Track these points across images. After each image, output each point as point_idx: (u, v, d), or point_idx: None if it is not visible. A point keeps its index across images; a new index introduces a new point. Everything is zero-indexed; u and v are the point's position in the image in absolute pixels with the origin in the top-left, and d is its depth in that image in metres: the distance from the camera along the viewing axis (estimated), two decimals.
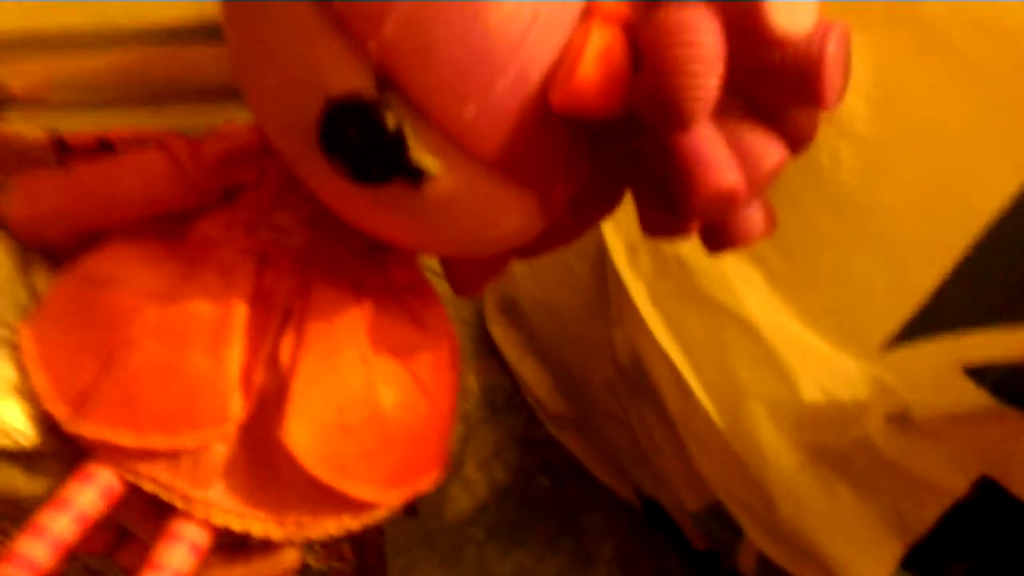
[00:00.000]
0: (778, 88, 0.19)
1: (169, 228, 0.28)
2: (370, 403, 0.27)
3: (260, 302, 0.26)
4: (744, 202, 0.19)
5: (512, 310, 0.48)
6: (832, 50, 0.18)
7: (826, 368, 0.28)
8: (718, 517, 0.39)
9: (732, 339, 0.30)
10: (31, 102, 0.34)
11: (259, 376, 0.26)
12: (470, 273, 0.31)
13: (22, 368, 0.27)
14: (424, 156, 0.20)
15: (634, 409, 0.43)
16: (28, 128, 0.30)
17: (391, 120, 0.19)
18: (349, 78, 0.20)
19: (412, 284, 0.28)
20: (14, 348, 0.27)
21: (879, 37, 0.27)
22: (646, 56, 0.19)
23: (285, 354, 0.26)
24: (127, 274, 0.26)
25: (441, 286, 0.31)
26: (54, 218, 0.29)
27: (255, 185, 0.27)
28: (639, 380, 0.40)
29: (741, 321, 0.30)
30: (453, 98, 0.19)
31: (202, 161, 0.27)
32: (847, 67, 0.19)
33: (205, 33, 0.50)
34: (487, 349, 0.51)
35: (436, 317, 0.29)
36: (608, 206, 0.25)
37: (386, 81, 0.19)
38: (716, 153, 0.19)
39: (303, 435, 0.26)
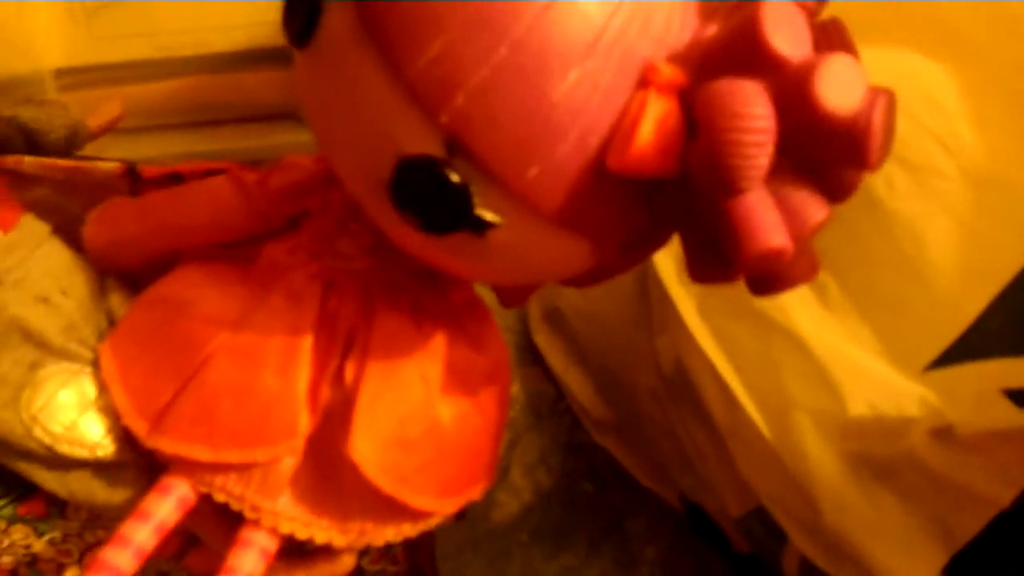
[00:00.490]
0: (825, 151, 0.20)
1: (238, 252, 0.30)
2: (429, 418, 0.29)
3: (326, 324, 0.28)
4: (790, 259, 0.20)
5: (556, 319, 0.49)
6: (878, 119, 0.19)
7: (873, 384, 0.29)
8: (761, 521, 0.39)
9: (781, 353, 0.31)
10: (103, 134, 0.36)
11: (325, 393, 0.28)
12: (517, 289, 0.32)
13: (102, 385, 0.29)
14: (488, 210, 0.21)
15: (678, 416, 0.44)
16: (103, 159, 0.32)
17: (458, 178, 0.21)
18: (420, 142, 0.21)
19: (466, 304, 0.30)
20: (94, 367, 0.29)
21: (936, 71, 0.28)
22: (701, 126, 0.20)
23: (350, 373, 0.28)
24: (201, 298, 0.28)
25: (488, 296, 0.32)
26: (129, 244, 0.31)
27: (319, 213, 0.29)
28: (683, 388, 0.41)
29: (791, 336, 0.31)
30: (517, 161, 0.21)
31: (269, 191, 0.29)
32: (891, 131, 0.20)
33: (257, 59, 0.52)
34: (531, 357, 0.53)
35: (489, 335, 0.30)
36: (657, 246, 0.26)
37: (455, 145, 0.21)
38: (765, 215, 0.20)
39: (367, 449, 0.27)
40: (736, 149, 0.19)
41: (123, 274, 0.32)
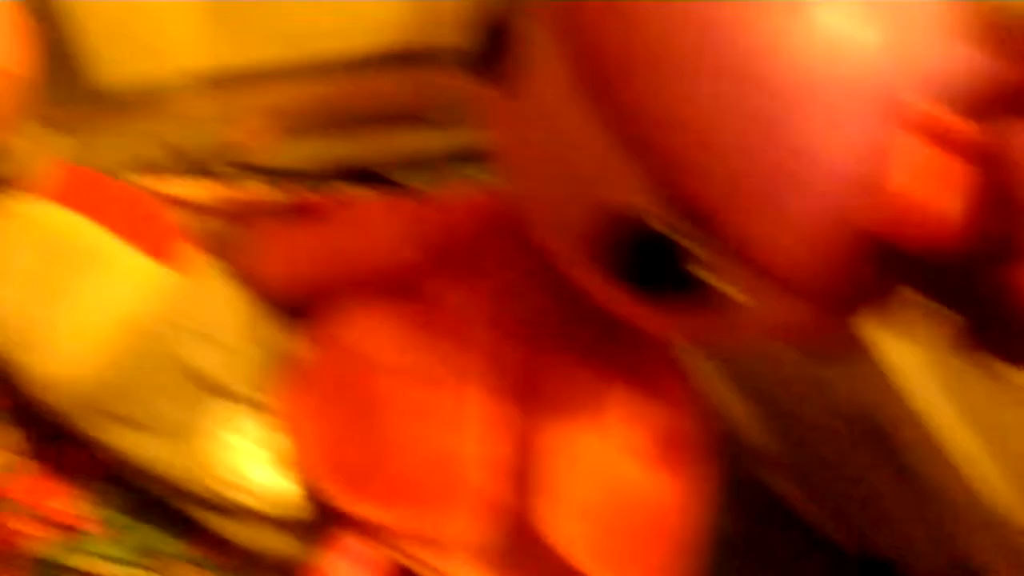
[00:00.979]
0: None
1: (406, 287, 0.27)
2: (615, 479, 0.26)
3: (506, 380, 0.25)
4: None
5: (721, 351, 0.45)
6: None
7: None
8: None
9: None
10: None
11: (507, 454, 0.25)
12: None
13: (279, 435, 0.27)
14: (720, 281, 0.19)
15: (862, 461, 0.39)
16: (262, 189, 0.30)
17: (677, 237, 0.18)
18: (635, 196, 0.18)
19: (661, 356, 0.26)
20: (259, 408, 0.27)
21: None
22: (994, 184, 0.16)
23: (533, 433, 0.25)
24: (380, 348, 0.26)
25: None
26: (287, 273, 0.29)
27: (496, 254, 0.26)
28: (870, 433, 0.37)
29: None
30: (743, 212, 0.18)
31: (446, 228, 0.27)
32: None
33: (391, 62, 0.50)
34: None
35: (681, 387, 0.27)
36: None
37: (675, 200, 0.18)
38: None
39: (550, 514, 0.25)
40: None
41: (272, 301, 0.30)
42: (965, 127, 0.17)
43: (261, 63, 0.47)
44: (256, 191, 0.30)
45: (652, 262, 0.19)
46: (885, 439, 0.35)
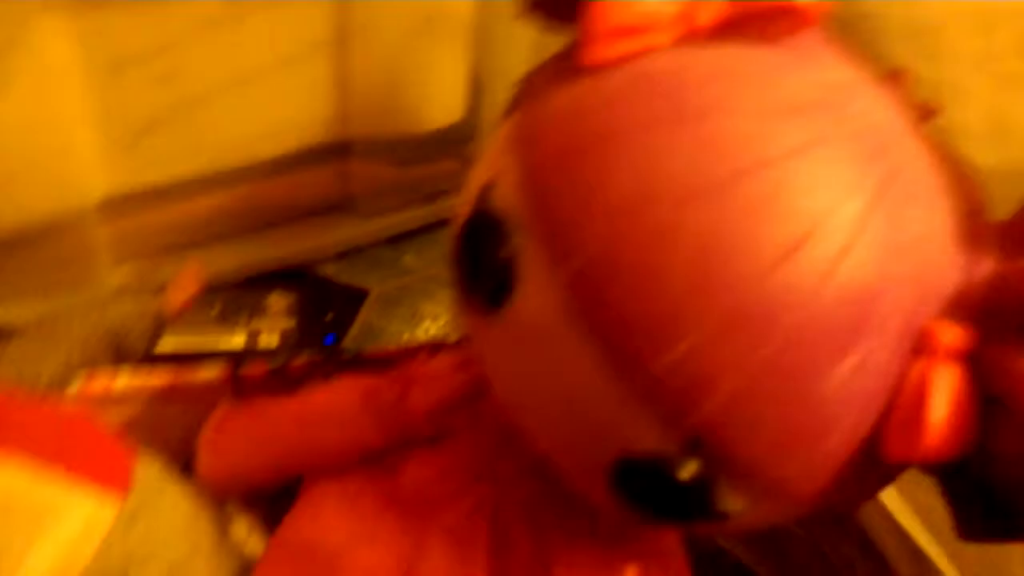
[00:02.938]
0: None
1: (376, 467, 0.26)
2: None
3: (499, 570, 0.24)
4: None
5: None
6: None
7: None
8: None
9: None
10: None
11: None
12: None
13: None
14: (729, 501, 0.18)
15: (825, 535, 0.40)
16: (206, 371, 0.29)
17: (692, 474, 0.18)
18: (652, 441, 0.18)
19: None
20: None
21: None
22: (1008, 402, 0.16)
23: None
24: (350, 549, 0.25)
25: None
26: (251, 473, 0.27)
27: (469, 430, 0.25)
28: (844, 522, 0.38)
29: None
30: (776, 460, 0.17)
31: (409, 411, 0.25)
32: None
33: (308, 158, 0.48)
34: None
35: (677, 550, 0.27)
36: None
37: (696, 446, 0.17)
38: None
39: None
40: None
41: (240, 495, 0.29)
42: (972, 342, 0.17)
43: (171, 180, 0.45)
44: (197, 372, 0.29)
45: (667, 489, 0.18)
46: (851, 522, 0.36)
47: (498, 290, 0.18)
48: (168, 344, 0.45)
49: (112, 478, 0.24)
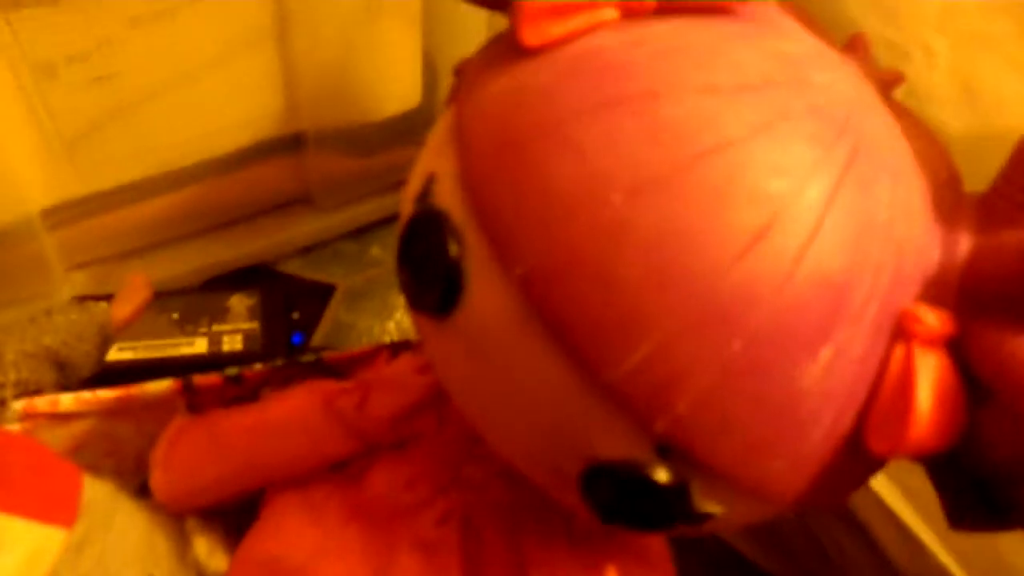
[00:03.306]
0: None
1: (340, 475, 0.25)
2: None
3: (450, 554, 0.23)
4: None
5: None
6: None
7: None
8: None
9: None
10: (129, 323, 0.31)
11: None
12: None
13: None
14: (708, 504, 0.17)
15: (817, 520, 0.40)
16: (157, 384, 0.27)
17: (669, 479, 0.16)
18: (623, 448, 0.16)
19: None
20: None
21: None
22: (998, 392, 0.15)
23: None
24: (316, 564, 0.23)
25: None
26: (209, 488, 0.26)
27: (434, 435, 0.24)
28: (841, 511, 0.37)
29: None
30: (756, 460, 0.16)
31: (371, 417, 0.24)
32: None
33: (261, 152, 0.46)
34: None
35: (653, 542, 0.26)
36: None
37: (669, 449, 0.16)
38: None
39: None
40: None
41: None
42: (956, 326, 0.16)
43: (119, 184, 0.43)
44: (148, 385, 0.27)
45: (640, 496, 0.17)
46: (852, 517, 0.36)
47: (446, 294, 0.17)
48: (125, 353, 0.43)
49: (56, 508, 0.23)
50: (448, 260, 0.17)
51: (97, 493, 0.24)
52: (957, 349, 0.16)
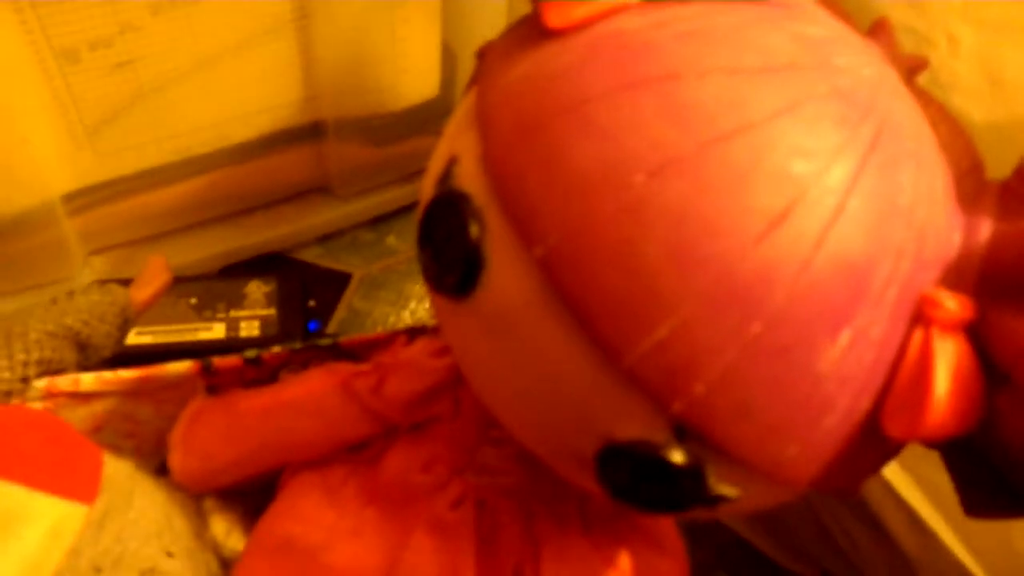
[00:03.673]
0: None
1: (357, 457, 0.25)
2: None
3: (487, 561, 0.23)
4: None
5: None
6: None
7: None
8: None
9: None
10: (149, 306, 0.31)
11: None
12: None
13: None
14: (724, 487, 0.17)
15: (827, 509, 0.40)
16: (177, 365, 0.28)
17: (685, 460, 0.16)
18: (640, 429, 0.17)
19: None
20: None
21: None
22: (1012, 375, 0.15)
23: None
24: (333, 544, 0.24)
25: None
26: (227, 470, 0.26)
27: (450, 418, 0.24)
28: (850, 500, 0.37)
29: None
30: (772, 444, 0.16)
31: (387, 400, 0.24)
32: None
33: (280, 141, 0.46)
34: None
35: (666, 528, 0.26)
36: None
37: (685, 432, 0.16)
38: None
39: None
40: None
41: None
42: (976, 311, 0.16)
43: (139, 169, 0.43)
44: (167, 366, 0.28)
45: (657, 478, 0.17)
46: (864, 506, 0.36)
47: (466, 275, 0.17)
48: (144, 337, 0.44)
49: (78, 484, 0.23)
50: (468, 241, 0.17)
51: (117, 471, 0.25)
52: (976, 335, 0.16)
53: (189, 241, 0.48)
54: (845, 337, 0.15)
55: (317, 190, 0.52)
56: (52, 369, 0.27)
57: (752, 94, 0.15)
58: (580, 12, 0.17)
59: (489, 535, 0.24)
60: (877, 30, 0.18)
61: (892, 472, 0.32)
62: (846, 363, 0.15)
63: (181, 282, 0.45)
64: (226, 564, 0.27)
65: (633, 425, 0.17)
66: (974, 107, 0.22)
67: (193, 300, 0.46)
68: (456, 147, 0.18)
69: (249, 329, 0.46)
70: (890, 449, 0.18)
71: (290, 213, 0.51)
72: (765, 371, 0.15)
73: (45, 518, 0.22)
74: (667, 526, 0.26)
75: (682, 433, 0.16)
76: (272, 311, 0.47)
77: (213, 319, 0.46)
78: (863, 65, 0.17)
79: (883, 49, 0.18)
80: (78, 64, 0.37)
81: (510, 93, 0.17)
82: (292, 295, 0.48)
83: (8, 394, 0.26)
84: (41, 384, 0.27)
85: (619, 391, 0.16)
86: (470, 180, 0.17)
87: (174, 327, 0.45)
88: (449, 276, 0.18)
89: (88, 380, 0.27)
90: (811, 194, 0.15)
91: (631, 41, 0.16)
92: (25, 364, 0.27)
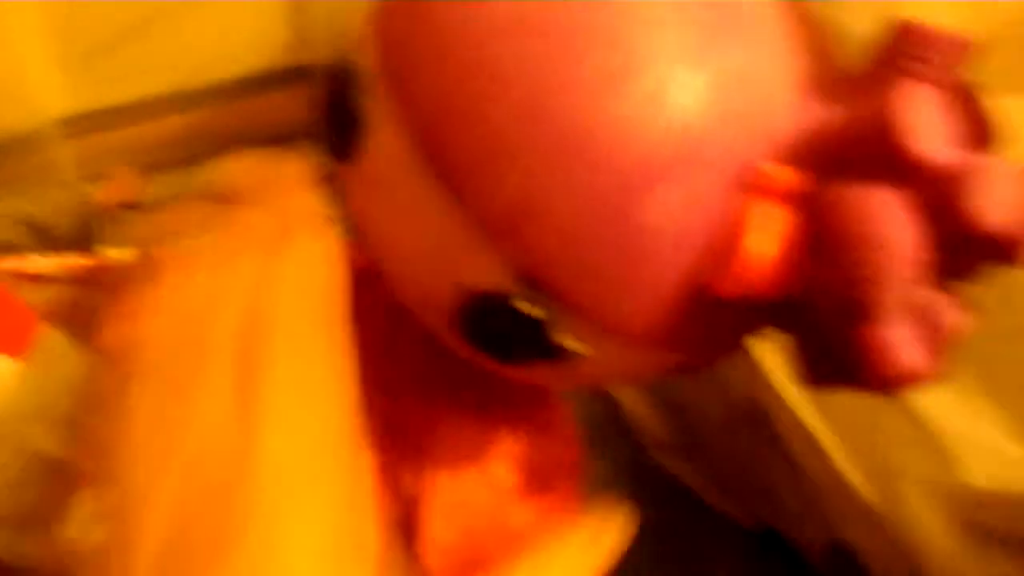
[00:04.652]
0: (970, 259, 0.17)
1: None
2: (501, 527, 0.26)
3: (387, 435, 0.25)
4: (929, 378, 0.17)
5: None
6: None
7: (997, 459, 0.26)
8: (845, 557, 0.38)
9: (889, 421, 0.29)
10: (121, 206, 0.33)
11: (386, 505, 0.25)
12: None
13: None
14: (572, 341, 0.19)
15: (750, 446, 0.41)
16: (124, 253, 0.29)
17: (535, 312, 0.18)
18: (490, 278, 0.18)
19: (535, 392, 0.27)
20: None
21: None
22: (826, 245, 0.17)
23: (411, 486, 0.25)
24: None
25: None
26: None
27: (366, 309, 0.26)
28: (758, 425, 0.39)
29: (902, 407, 0.28)
30: (606, 295, 0.18)
31: None
32: None
33: (273, 80, 0.49)
34: None
35: (558, 414, 0.28)
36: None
37: (532, 281, 0.18)
38: (900, 341, 0.17)
39: (434, 563, 0.25)
40: (870, 283, 0.16)
41: None
42: (805, 184, 0.17)
43: (129, 100, 0.46)
44: (113, 256, 0.30)
45: (510, 328, 0.19)
46: (765, 424, 0.37)
47: (354, 138, 0.19)
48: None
49: (13, 342, 0.25)
50: (350, 106, 0.19)
51: (53, 337, 0.27)
52: (810, 208, 0.17)
53: (175, 177, 0.50)
54: (673, 194, 0.17)
55: (306, 135, 0.53)
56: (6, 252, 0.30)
57: None
58: None
59: (391, 414, 0.25)
60: None
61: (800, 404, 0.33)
62: (671, 218, 0.17)
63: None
64: None
65: (487, 275, 0.18)
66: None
67: None
68: (366, 27, 0.20)
69: None
70: (733, 316, 0.19)
71: (278, 155, 0.53)
72: (597, 223, 0.17)
73: None
74: (558, 411, 0.27)
75: (529, 284, 0.18)
76: None
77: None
78: None
79: None
80: None
81: None
82: None
83: None
84: None
85: (476, 243, 0.18)
86: (365, 50, 0.19)
87: None
88: (339, 139, 0.19)
89: (40, 263, 0.29)
90: (650, 61, 0.17)
91: None
92: None
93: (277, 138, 0.53)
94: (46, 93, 0.43)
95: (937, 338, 0.18)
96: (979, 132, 0.18)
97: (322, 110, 0.20)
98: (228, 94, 0.48)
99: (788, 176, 0.17)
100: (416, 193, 0.18)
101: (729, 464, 0.44)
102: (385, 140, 0.19)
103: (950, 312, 0.18)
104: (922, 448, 0.28)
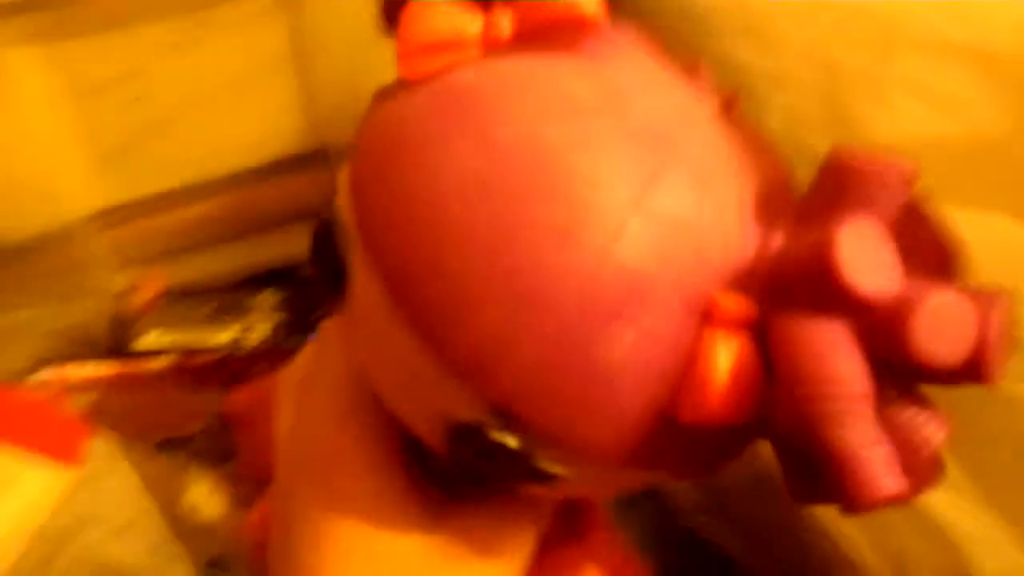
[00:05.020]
0: (934, 380, 0.18)
1: None
2: None
3: None
4: (908, 498, 0.18)
5: None
6: (994, 339, 0.17)
7: (1000, 558, 0.26)
8: None
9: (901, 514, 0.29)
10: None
11: None
12: None
13: None
14: (550, 465, 0.20)
15: (782, 512, 0.42)
16: (156, 360, 0.32)
17: (513, 443, 0.19)
18: (466, 411, 0.20)
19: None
20: None
21: None
22: (779, 375, 0.18)
23: None
24: None
25: None
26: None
27: None
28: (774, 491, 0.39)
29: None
30: (575, 424, 0.19)
31: None
32: (1010, 335, 0.17)
33: (282, 169, 0.51)
34: None
35: (599, 523, 0.28)
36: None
37: (504, 413, 0.19)
38: (870, 462, 0.17)
39: None
40: (824, 419, 0.17)
41: None
42: (758, 312, 0.18)
43: (157, 192, 0.48)
44: (148, 362, 0.32)
45: (498, 463, 0.20)
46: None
47: (338, 282, 0.21)
48: (163, 340, 0.49)
49: (65, 452, 0.27)
50: (334, 255, 0.20)
51: (103, 445, 0.29)
52: (761, 335, 0.18)
53: (204, 258, 0.53)
54: (631, 333, 0.18)
55: (322, 212, 0.56)
56: (51, 365, 0.32)
57: (553, 133, 0.18)
58: (425, 67, 0.20)
59: None
60: (691, 69, 0.21)
61: None
62: (633, 355, 0.18)
63: (198, 293, 0.50)
64: (203, 525, 0.30)
65: (464, 409, 0.20)
66: (821, 140, 0.25)
67: (206, 309, 0.51)
68: (342, 178, 0.22)
69: (259, 335, 0.50)
70: (708, 436, 0.20)
71: (298, 233, 0.55)
72: (560, 362, 0.18)
73: (34, 480, 0.26)
74: (598, 518, 0.28)
75: (503, 416, 0.19)
76: (280, 320, 0.51)
77: (225, 326, 0.51)
78: (663, 104, 0.19)
79: (697, 85, 0.21)
80: (98, 98, 0.43)
81: (371, 131, 0.20)
82: (299, 306, 0.53)
83: (10, 383, 0.31)
84: (40, 375, 0.31)
85: (448, 381, 0.19)
86: (343, 205, 0.21)
87: (189, 333, 0.50)
88: (325, 282, 0.21)
89: (79, 373, 0.31)
90: (597, 214, 0.18)
91: (461, 93, 0.19)
92: (29, 358, 0.31)
93: (296, 217, 0.56)
94: (77, 191, 0.45)
95: (915, 455, 0.18)
96: (936, 251, 0.19)
97: (312, 255, 0.22)
98: (249, 180, 0.50)
99: (739, 305, 0.18)
100: (392, 334, 0.20)
101: (762, 528, 0.44)
102: (364, 285, 0.20)
103: (926, 427, 0.18)
104: (933, 542, 0.28)
